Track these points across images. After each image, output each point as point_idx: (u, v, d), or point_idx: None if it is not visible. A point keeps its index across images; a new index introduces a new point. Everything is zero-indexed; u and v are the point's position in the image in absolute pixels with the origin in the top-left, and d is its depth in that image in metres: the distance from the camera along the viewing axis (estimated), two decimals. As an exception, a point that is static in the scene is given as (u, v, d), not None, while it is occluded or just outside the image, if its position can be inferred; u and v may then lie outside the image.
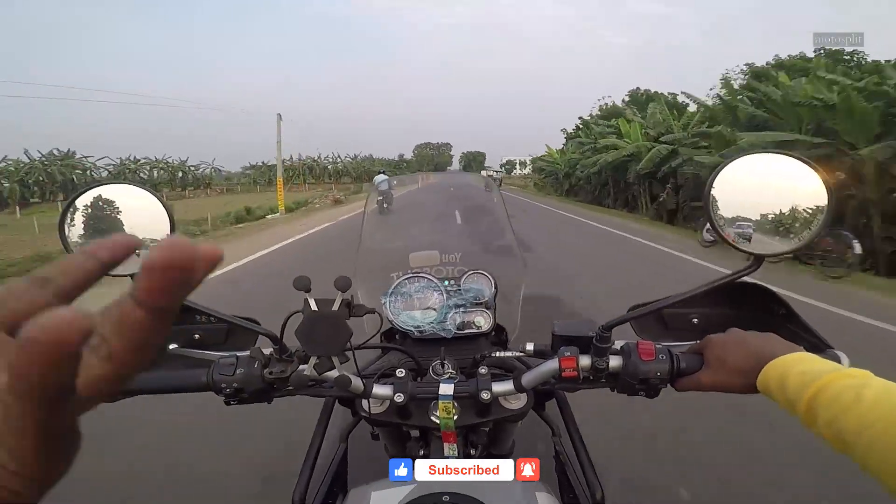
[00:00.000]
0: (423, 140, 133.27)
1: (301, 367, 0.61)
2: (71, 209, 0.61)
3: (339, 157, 52.16)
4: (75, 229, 0.61)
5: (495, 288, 0.96)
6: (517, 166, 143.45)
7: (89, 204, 0.62)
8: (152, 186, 0.65)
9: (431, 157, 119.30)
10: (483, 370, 0.70)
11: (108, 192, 0.63)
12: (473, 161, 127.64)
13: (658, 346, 0.64)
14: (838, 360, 0.61)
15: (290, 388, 0.66)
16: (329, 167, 52.03)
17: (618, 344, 0.66)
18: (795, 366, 0.49)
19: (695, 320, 0.81)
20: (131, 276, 0.61)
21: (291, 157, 49.27)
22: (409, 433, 0.83)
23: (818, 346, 0.67)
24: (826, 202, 0.54)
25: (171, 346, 0.80)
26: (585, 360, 0.65)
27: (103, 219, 0.62)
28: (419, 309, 0.91)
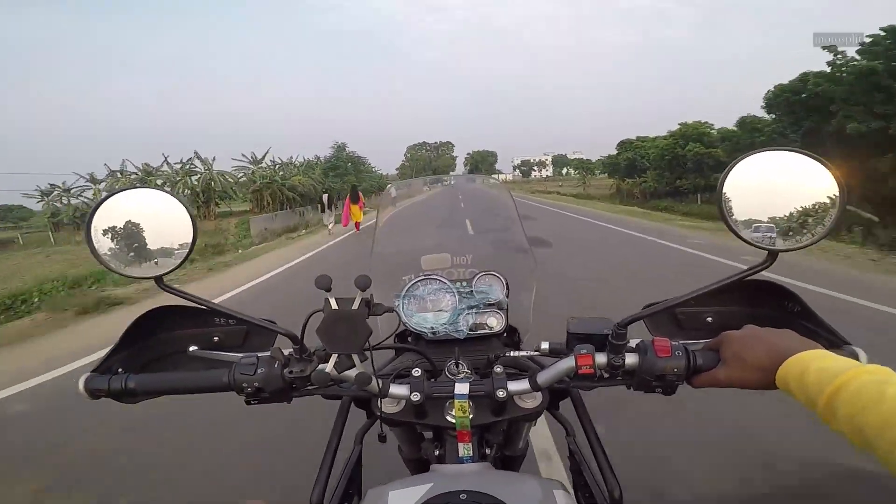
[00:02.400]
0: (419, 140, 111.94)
1: (321, 366, 0.64)
2: (96, 214, 0.65)
3: (271, 161, 30.66)
4: (101, 234, 0.65)
5: (507, 289, 0.99)
6: (535, 167, 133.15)
7: (114, 208, 0.66)
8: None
9: (428, 160, 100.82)
10: (499, 369, 0.72)
11: (132, 196, 0.67)
12: (482, 163, 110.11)
13: (674, 343, 0.65)
14: (856, 357, 0.62)
15: (310, 387, 0.69)
16: (239, 180, 29.85)
17: (633, 342, 0.68)
18: (815, 362, 0.51)
19: (709, 319, 0.83)
20: (154, 278, 0.66)
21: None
22: (423, 434, 0.86)
23: (835, 342, 0.68)
24: (837, 198, 0.56)
25: (192, 349, 0.84)
26: (601, 358, 0.66)
27: (129, 224, 0.66)
28: (432, 311, 0.94)
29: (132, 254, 0.66)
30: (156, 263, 0.67)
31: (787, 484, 1.98)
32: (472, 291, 0.96)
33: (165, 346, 0.84)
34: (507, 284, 1.00)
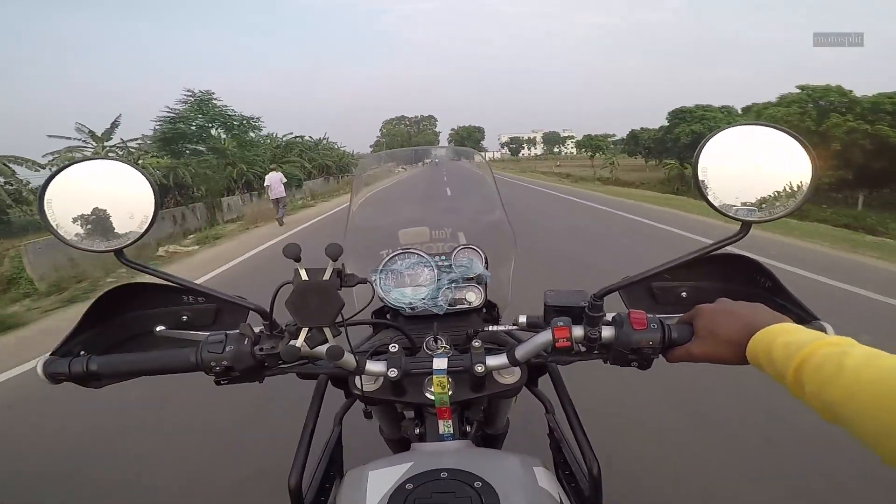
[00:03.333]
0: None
1: (291, 341, 0.63)
2: (50, 186, 0.62)
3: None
4: (58, 207, 0.62)
5: (486, 263, 0.99)
6: (524, 145, 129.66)
7: (71, 180, 0.63)
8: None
9: (407, 136, 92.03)
10: (477, 343, 0.72)
11: (89, 168, 0.64)
12: (468, 139, 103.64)
13: (649, 315, 0.66)
14: (823, 331, 0.64)
15: (283, 364, 0.67)
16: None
17: (609, 315, 0.69)
18: (780, 336, 0.51)
19: (683, 294, 0.85)
20: (114, 251, 0.65)
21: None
22: (404, 413, 0.86)
23: (804, 317, 0.70)
24: (810, 172, 0.57)
25: (159, 329, 0.82)
26: (578, 331, 0.67)
27: (87, 195, 0.63)
28: (410, 286, 0.94)
29: (89, 226, 0.64)
30: (116, 236, 0.64)
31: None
32: (451, 265, 0.96)
33: (131, 326, 0.82)
34: (486, 258, 1.00)
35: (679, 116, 30.20)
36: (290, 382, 0.83)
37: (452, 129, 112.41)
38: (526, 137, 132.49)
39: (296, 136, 31.12)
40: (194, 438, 2.41)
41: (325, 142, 36.14)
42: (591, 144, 66.80)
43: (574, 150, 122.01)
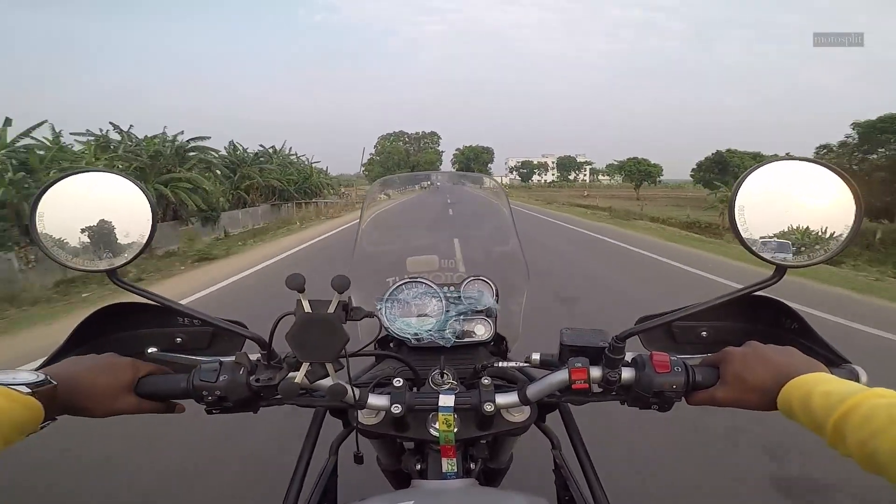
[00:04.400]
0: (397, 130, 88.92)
1: (291, 374, 0.60)
2: (43, 199, 0.60)
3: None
4: (50, 221, 0.60)
5: (497, 295, 0.97)
6: (536, 170, 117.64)
7: (66, 192, 0.61)
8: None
9: (405, 154, 78.06)
10: (486, 381, 0.70)
11: (84, 180, 0.63)
12: (475, 161, 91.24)
13: (673, 358, 0.64)
14: (857, 375, 0.62)
15: (279, 397, 0.65)
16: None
17: (629, 356, 0.66)
18: (820, 385, 0.50)
19: (704, 333, 0.82)
20: (105, 271, 0.62)
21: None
22: (404, 446, 0.83)
23: (834, 360, 0.68)
24: (853, 212, 0.54)
25: (150, 350, 0.80)
26: (596, 372, 0.65)
27: (82, 209, 0.62)
28: (416, 316, 0.92)
29: (83, 243, 0.62)
30: (109, 255, 0.62)
31: None
32: (460, 297, 0.93)
33: (121, 346, 0.79)
34: (496, 290, 0.98)
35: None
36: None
37: (457, 150, 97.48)
38: (537, 162, 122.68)
39: (235, 145, 23.17)
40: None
41: (285, 155, 27.68)
42: (637, 170, 55.01)
43: (587, 178, 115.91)
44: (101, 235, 0.62)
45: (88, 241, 0.62)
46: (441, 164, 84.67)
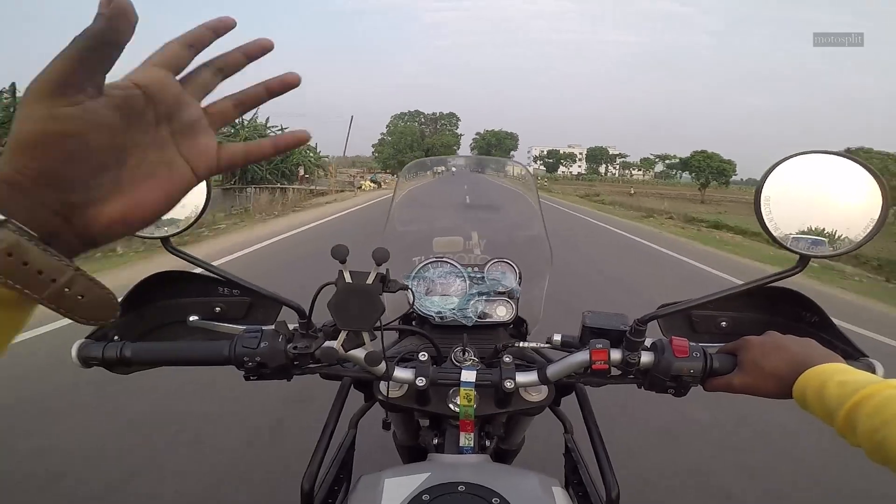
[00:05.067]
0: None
1: (328, 342, 0.63)
2: None
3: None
4: None
5: (519, 278, 0.99)
6: (562, 160, 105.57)
7: None
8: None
9: (420, 136, 71.63)
10: (507, 359, 0.73)
11: None
12: (498, 147, 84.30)
13: (692, 344, 0.66)
14: (873, 369, 0.64)
15: (312, 364, 0.69)
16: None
17: (648, 341, 0.69)
18: (836, 375, 0.51)
19: (723, 323, 0.84)
20: (160, 238, 0.67)
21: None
22: (420, 422, 0.87)
23: (852, 354, 0.69)
24: (880, 205, 0.55)
25: (192, 318, 0.84)
26: (616, 354, 0.67)
27: None
28: (440, 294, 0.95)
29: None
30: (164, 223, 0.67)
31: None
32: (483, 278, 0.96)
33: (165, 314, 0.84)
34: (519, 273, 1.00)
35: None
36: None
37: (477, 133, 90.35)
38: (564, 151, 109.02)
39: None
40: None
41: (260, 126, 22.88)
42: (708, 167, 44.39)
43: (616, 172, 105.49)
44: None
45: None
46: (458, 149, 77.10)
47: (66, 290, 0.26)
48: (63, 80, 0.25)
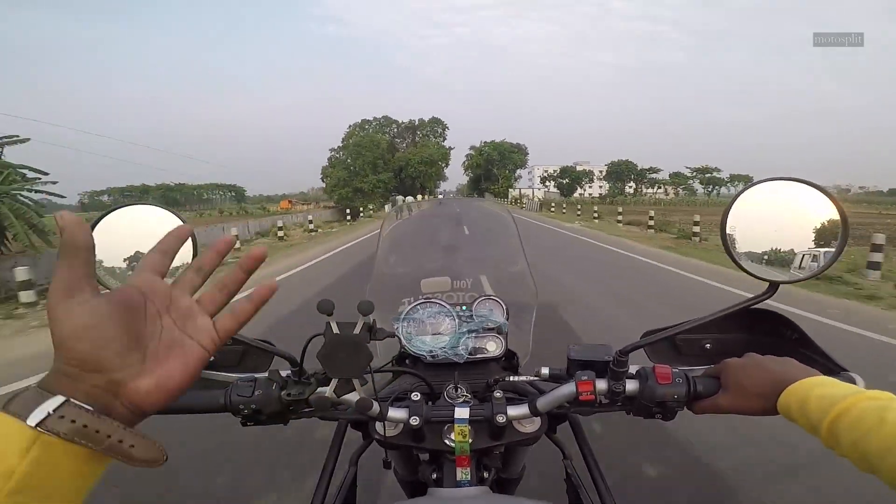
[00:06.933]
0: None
1: (320, 389, 0.67)
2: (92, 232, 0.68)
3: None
4: (101, 250, 0.69)
5: (507, 314, 1.02)
6: (578, 180, 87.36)
7: (109, 227, 0.67)
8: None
9: (388, 149, 47.87)
10: (498, 394, 0.76)
11: (127, 214, 0.69)
12: (501, 163, 65.29)
13: (674, 370, 0.69)
14: (854, 383, 0.65)
15: (308, 410, 0.72)
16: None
17: (633, 369, 0.72)
18: (815, 389, 0.54)
19: (707, 346, 0.87)
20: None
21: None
22: (420, 456, 0.88)
23: (833, 369, 0.72)
24: (840, 231, 0.58)
25: None
26: (602, 384, 0.70)
27: (124, 241, 0.68)
28: (431, 334, 0.98)
29: (130, 272, 0.68)
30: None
31: None
32: (472, 315, 0.99)
33: None
34: (507, 309, 1.03)
35: None
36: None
37: (472, 148, 68.48)
38: (581, 169, 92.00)
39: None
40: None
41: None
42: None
43: (653, 190, 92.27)
44: None
45: (134, 268, 0.67)
46: (447, 166, 53.16)
47: (120, 442, 0.34)
48: (66, 284, 0.34)
